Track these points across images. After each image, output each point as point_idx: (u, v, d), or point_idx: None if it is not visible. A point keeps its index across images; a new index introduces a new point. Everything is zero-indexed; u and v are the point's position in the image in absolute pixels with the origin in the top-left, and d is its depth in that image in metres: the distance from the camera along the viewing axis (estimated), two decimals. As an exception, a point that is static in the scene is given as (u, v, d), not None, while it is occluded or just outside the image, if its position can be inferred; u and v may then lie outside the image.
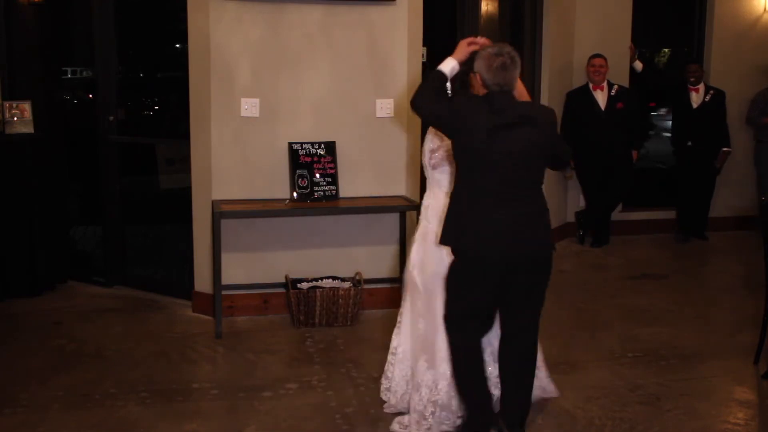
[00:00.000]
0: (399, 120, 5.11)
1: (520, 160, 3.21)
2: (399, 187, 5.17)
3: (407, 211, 5.07)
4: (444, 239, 3.34)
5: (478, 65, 3.28)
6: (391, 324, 3.88)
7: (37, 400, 3.81)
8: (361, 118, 5.06)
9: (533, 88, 6.88)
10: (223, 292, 4.79)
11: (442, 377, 3.51)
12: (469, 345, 3.40)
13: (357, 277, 5.04)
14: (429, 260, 3.57)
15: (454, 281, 3.38)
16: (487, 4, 6.30)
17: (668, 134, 7.86)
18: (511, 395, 3.41)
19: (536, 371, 3.53)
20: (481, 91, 3.31)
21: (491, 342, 3.54)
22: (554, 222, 7.43)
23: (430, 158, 3.60)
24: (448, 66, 3.40)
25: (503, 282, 3.29)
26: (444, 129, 3.37)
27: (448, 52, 3.46)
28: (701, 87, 7.26)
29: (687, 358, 4.46)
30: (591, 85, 6.98)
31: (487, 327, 3.49)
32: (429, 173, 3.66)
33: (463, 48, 3.43)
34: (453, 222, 3.31)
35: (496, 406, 3.50)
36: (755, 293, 5.11)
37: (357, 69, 5.03)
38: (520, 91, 3.38)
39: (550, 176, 6.90)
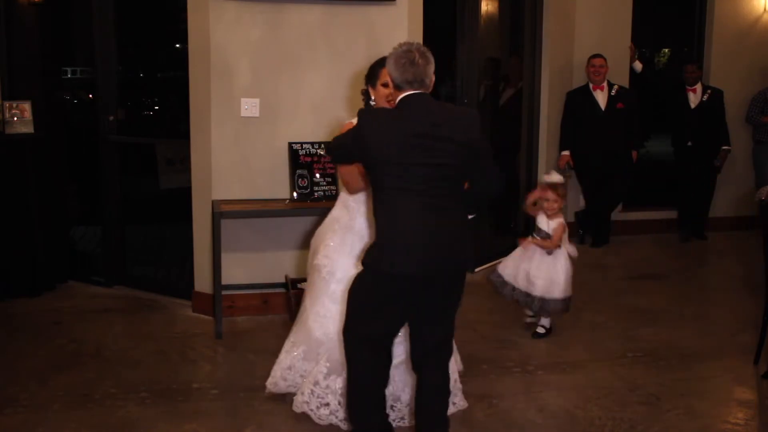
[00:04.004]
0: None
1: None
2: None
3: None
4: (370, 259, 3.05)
5: (387, 65, 3.03)
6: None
7: (37, 400, 3.81)
8: (361, 118, 5.05)
9: (533, 88, 6.88)
10: (223, 292, 4.78)
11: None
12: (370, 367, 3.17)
13: (357, 277, 5.03)
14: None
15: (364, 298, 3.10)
16: (487, 4, 6.29)
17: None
18: (427, 427, 3.16)
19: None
20: (382, 102, 3.29)
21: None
22: (554, 222, 7.50)
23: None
24: None
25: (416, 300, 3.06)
26: None
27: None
28: (698, 87, 7.26)
29: (687, 358, 4.46)
30: (591, 86, 6.98)
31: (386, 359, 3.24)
32: (358, 196, 3.57)
33: None
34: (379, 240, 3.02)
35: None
36: (755, 293, 5.10)
37: (357, 69, 5.02)
38: None
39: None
